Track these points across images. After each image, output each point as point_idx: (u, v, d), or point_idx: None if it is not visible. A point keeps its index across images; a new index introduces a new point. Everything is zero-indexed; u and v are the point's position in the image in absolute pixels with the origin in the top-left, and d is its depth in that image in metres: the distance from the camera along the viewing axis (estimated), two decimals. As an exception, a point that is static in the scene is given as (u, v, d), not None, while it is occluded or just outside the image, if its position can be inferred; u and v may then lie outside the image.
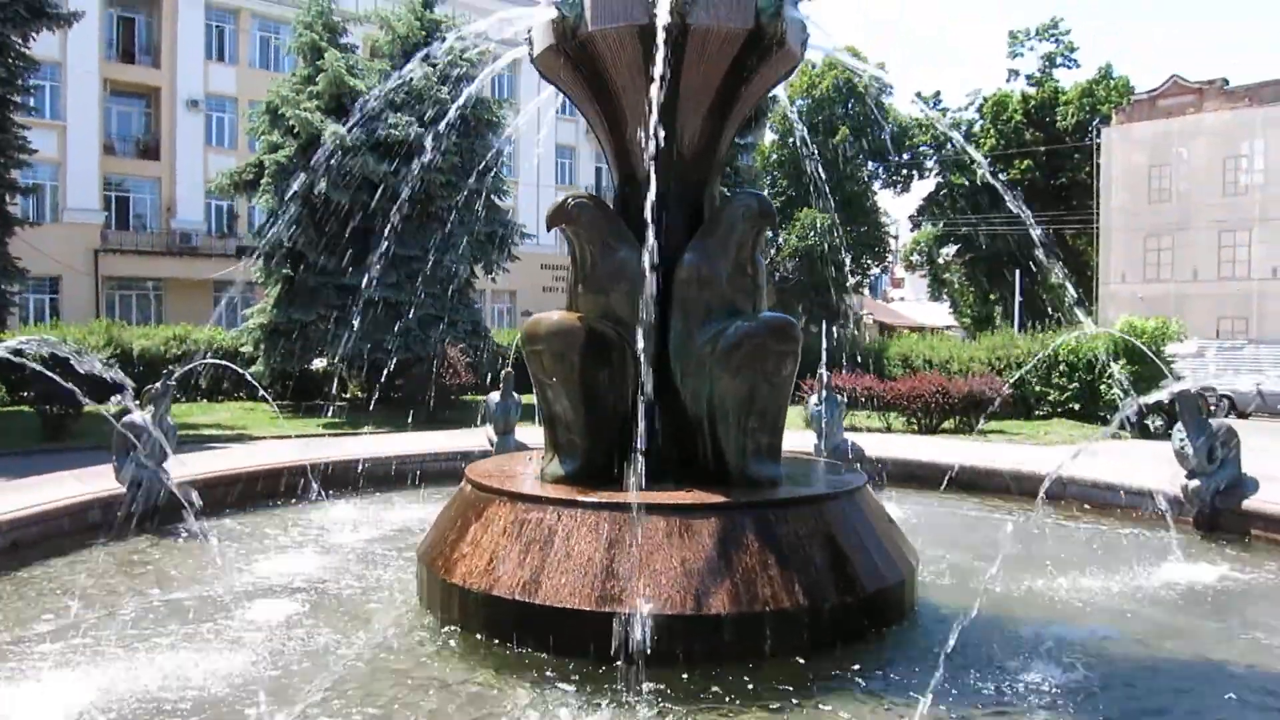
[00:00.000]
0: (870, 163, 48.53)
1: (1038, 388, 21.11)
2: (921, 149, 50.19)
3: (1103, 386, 20.20)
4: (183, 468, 8.68)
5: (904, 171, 50.94)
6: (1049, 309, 35.71)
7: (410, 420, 14.83)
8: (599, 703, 4.49)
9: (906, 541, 6.28)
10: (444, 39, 20.96)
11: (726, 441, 5.99)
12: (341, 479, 10.23)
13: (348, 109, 20.42)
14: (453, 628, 5.50)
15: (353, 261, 18.87)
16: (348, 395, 21.79)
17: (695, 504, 5.48)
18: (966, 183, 48.12)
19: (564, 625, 5.06)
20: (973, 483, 10.49)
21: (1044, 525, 8.87)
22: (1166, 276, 41.16)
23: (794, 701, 4.52)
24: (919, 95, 53.07)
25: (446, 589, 5.60)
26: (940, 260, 55.12)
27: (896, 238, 56.27)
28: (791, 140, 43.32)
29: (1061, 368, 20.89)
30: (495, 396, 11.16)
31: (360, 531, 8.45)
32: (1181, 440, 8.53)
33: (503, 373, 11.26)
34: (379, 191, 19.28)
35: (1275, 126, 38.19)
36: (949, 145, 48.74)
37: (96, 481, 8.71)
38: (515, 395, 11.21)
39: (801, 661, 4.99)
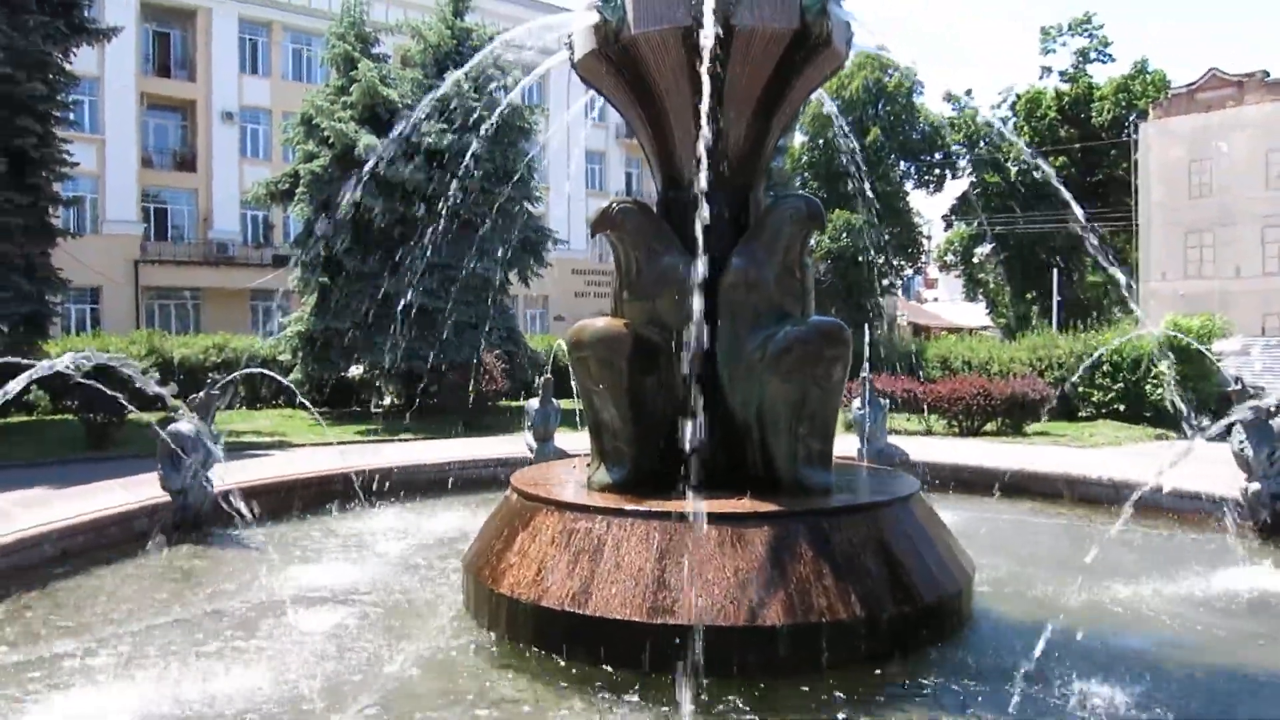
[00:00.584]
0: (902, 162, 48.07)
1: (1081, 388, 20.74)
2: (954, 149, 49.63)
3: (1148, 386, 19.79)
4: (228, 475, 8.70)
5: (936, 171, 50.39)
6: (1089, 307, 35.12)
7: (452, 427, 14.82)
8: (653, 717, 4.39)
9: (961, 549, 6.14)
10: (477, 48, 21.03)
11: (776, 448, 5.89)
12: (381, 486, 10.22)
13: (381, 118, 20.53)
14: (500, 638, 5.44)
15: (390, 269, 18.94)
16: (385, 402, 21.89)
17: (748, 512, 5.37)
18: (1001, 181, 47.53)
19: (615, 637, 4.97)
20: (1023, 487, 10.28)
21: (1099, 530, 8.65)
22: (1209, 273, 40.39)
23: (859, 716, 4.39)
24: (950, 95, 52.59)
25: (494, 599, 5.53)
26: (975, 259, 54.42)
27: (930, 238, 55.66)
28: (823, 141, 43.04)
29: (1105, 367, 20.51)
30: (535, 403, 11.12)
31: (403, 540, 8.42)
32: (1241, 443, 8.28)
33: (542, 379, 11.23)
34: (414, 200, 19.37)
35: (1319, 119, 37.39)
36: (981, 143, 48.16)
37: (142, 490, 8.78)
38: (554, 401, 11.17)
39: (860, 674, 4.87)
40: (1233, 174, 39.75)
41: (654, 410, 5.97)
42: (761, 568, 5.08)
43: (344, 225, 19.48)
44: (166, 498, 8.34)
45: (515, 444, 11.63)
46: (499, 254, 20.44)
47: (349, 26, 22.35)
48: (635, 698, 4.59)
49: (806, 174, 44.46)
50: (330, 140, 20.34)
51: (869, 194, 38.90)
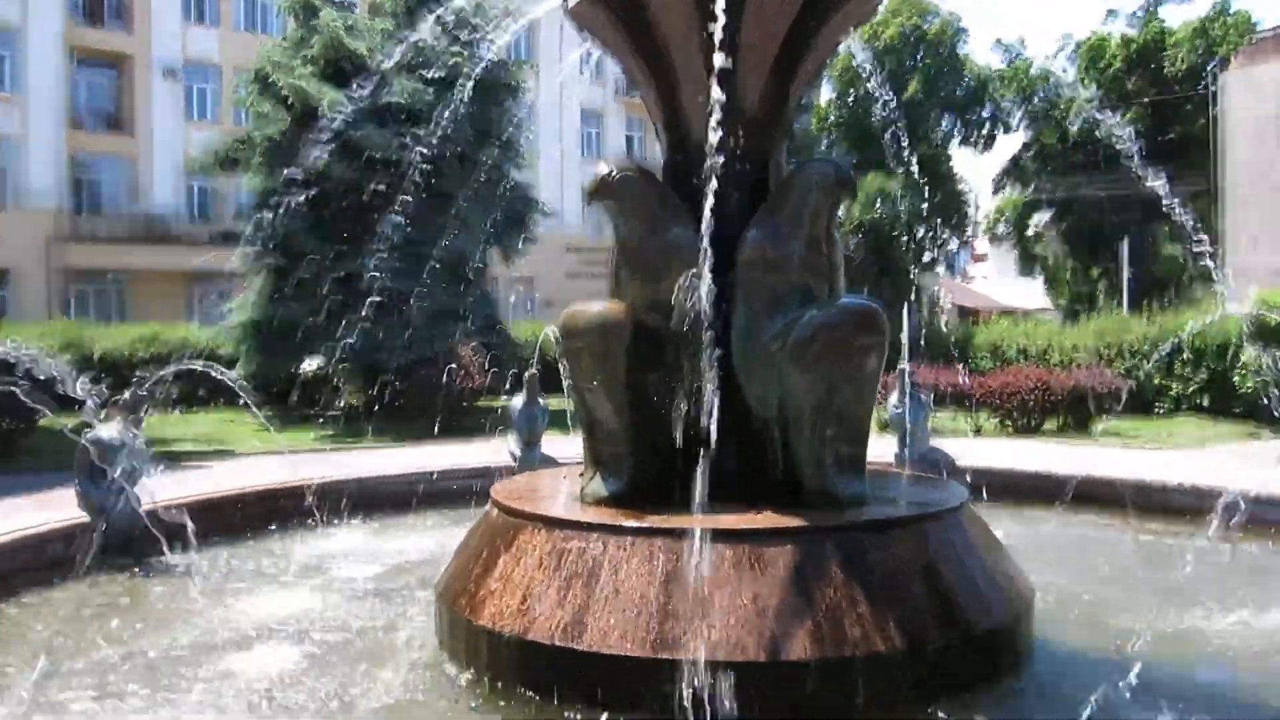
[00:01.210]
0: (945, 119, 47.94)
1: (1157, 379, 20.67)
2: (1004, 104, 49.44)
3: (1237, 376, 19.69)
4: (160, 490, 8.66)
5: (985, 129, 50.24)
6: (1164, 285, 34.98)
7: (423, 430, 14.79)
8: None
9: (1019, 569, 6.08)
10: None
11: (800, 452, 5.84)
12: (340, 502, 10.15)
13: (347, 74, 20.45)
14: (480, 678, 5.39)
15: (350, 248, 18.85)
16: (343, 403, 21.84)
17: (768, 528, 5.32)
18: (1059, 142, 47.44)
19: (614, 675, 4.92)
20: (1089, 495, 10.21)
21: (1181, 546, 8.57)
22: (1305, 243, 40.24)
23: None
24: (1000, 42, 52.47)
25: (472, 632, 5.49)
26: (1030, 230, 54.25)
27: (977, 206, 55.53)
28: (853, 97, 42.93)
29: (1186, 355, 20.44)
30: (518, 402, 11.09)
31: (365, 565, 8.39)
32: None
33: (526, 374, 11.18)
34: (380, 166, 19.22)
35: None
36: (1036, 98, 47.99)
37: (57, 509, 8.71)
38: (541, 400, 11.13)
39: (901, 716, 4.83)
40: (1331, 129, 39.60)
41: (657, 409, 5.92)
42: (785, 593, 5.02)
43: (300, 195, 19.40)
44: (86, 518, 8.28)
45: (496, 450, 11.58)
46: (479, 227, 20.37)
47: (309, -32, 22.27)
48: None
49: (834, 134, 44.42)
50: (289, 100, 20.30)
51: (907, 156, 38.80)
